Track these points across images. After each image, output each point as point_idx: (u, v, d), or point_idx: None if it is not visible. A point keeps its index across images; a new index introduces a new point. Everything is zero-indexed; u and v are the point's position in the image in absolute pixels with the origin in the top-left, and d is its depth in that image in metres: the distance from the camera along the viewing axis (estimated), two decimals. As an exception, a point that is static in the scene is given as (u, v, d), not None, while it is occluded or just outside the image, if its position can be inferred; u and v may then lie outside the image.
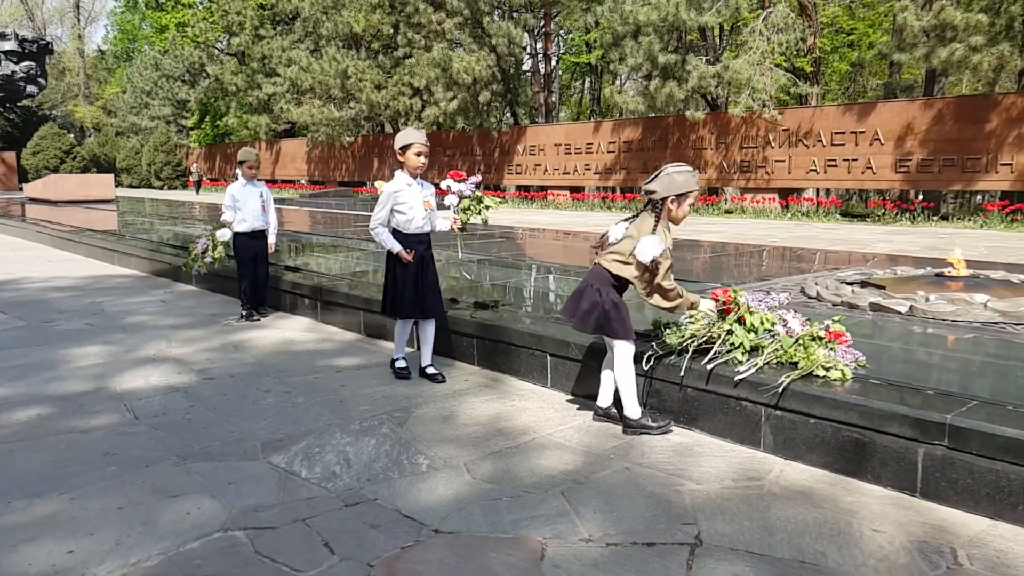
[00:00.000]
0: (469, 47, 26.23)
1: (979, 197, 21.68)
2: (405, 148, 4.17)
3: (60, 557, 2.40)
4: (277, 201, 28.84)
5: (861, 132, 19.35)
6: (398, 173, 4.25)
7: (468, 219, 4.47)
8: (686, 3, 20.07)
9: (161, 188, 42.73)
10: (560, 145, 26.23)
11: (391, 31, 28.33)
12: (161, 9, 47.94)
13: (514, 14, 27.77)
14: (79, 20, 60.94)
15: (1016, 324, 4.28)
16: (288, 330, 5.74)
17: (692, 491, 2.90)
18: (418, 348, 4.49)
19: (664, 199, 3.46)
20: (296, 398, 4.04)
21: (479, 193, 4.52)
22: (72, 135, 43.82)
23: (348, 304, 5.65)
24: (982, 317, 4.35)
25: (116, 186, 30.07)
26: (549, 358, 4.19)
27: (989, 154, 17.44)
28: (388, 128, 33.97)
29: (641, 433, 3.49)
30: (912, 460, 2.81)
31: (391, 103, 27.99)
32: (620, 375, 3.51)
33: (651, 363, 3.63)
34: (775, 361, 3.39)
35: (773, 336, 3.51)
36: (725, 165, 22.07)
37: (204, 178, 38.35)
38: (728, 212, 21.56)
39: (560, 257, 9.16)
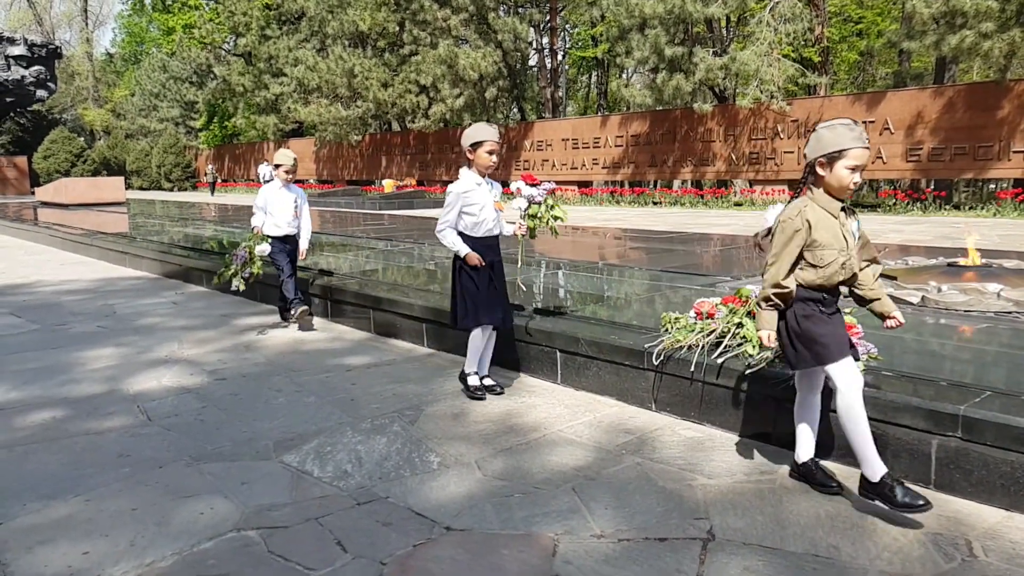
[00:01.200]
0: (475, 43, 26.22)
1: (992, 185, 21.48)
2: (476, 145, 3.87)
3: (75, 558, 2.42)
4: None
5: (871, 121, 19.21)
6: (464, 171, 3.96)
7: (536, 227, 4.13)
8: (692, -5, 19.98)
9: (171, 190, 43.00)
10: (567, 140, 26.19)
11: (397, 29, 28.35)
12: (168, 11, 48.18)
13: (519, 9, 27.73)
14: (87, 24, 61.31)
15: (1030, 313, 4.24)
16: (298, 330, 5.76)
17: (704, 486, 2.89)
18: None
19: (811, 165, 2.68)
20: (307, 397, 4.06)
21: (551, 200, 4.14)
22: (82, 139, 44.15)
23: (358, 303, 5.67)
24: (995, 307, 4.32)
25: (126, 189, 30.28)
26: (559, 354, 4.19)
27: (1001, 141, 17.29)
28: (395, 126, 34.02)
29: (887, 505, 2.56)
30: (926, 452, 2.79)
31: (398, 101, 28.03)
32: (844, 417, 2.60)
33: (661, 358, 3.62)
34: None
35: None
36: (734, 157, 21.97)
37: (219, 179, 38.43)
38: (738, 204, 21.48)
39: (569, 252, 9.14)
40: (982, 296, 4.39)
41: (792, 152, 20.70)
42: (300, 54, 30.54)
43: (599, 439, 3.41)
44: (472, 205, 3.92)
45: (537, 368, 4.32)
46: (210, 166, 37.77)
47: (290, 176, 5.73)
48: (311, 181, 37.11)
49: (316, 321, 6.05)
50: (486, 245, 3.95)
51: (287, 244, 5.77)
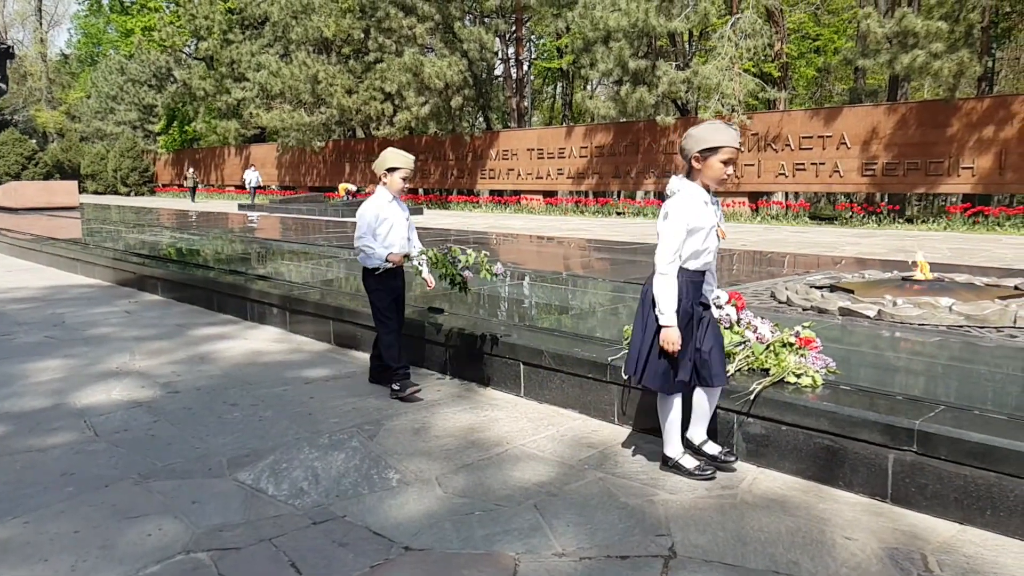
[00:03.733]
0: (440, 52, 26.16)
1: (942, 200, 22.13)
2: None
3: (13, 585, 2.30)
4: (244, 207, 28.36)
5: (828, 136, 19.65)
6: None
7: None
8: (655, 9, 20.24)
9: (128, 194, 41.98)
10: (533, 150, 26.27)
11: (362, 36, 28.15)
12: (126, 13, 47.15)
13: (485, 19, 27.78)
14: (41, 24, 59.67)
15: (980, 327, 4.34)
16: (256, 340, 5.64)
17: (666, 501, 2.88)
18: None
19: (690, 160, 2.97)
20: (264, 412, 3.96)
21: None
22: (34, 141, 42.85)
23: (318, 313, 5.57)
24: (948, 320, 4.41)
25: (80, 193, 29.48)
26: (522, 367, 4.16)
27: (951, 158, 17.82)
28: (360, 133, 33.77)
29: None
30: (883, 466, 2.82)
31: (362, 108, 27.81)
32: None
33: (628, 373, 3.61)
34: (746, 368, 3.40)
35: (744, 343, 3.52)
36: (696, 169, 22.24)
37: (200, 184, 37.23)
38: (699, 216, 21.72)
39: (534, 263, 9.14)
40: (935, 310, 4.49)
41: (752, 165, 21.05)
42: (263, 59, 30.13)
43: (562, 453, 3.38)
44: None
45: (500, 381, 4.28)
46: (190, 170, 36.45)
47: (408, 186, 4.26)
48: (273, 187, 36.62)
49: (275, 332, 5.93)
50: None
51: (396, 280, 4.26)
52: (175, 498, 2.91)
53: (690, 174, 3.01)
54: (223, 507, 2.84)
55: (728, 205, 21.38)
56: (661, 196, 24.15)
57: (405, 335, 4.87)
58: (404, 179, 4.21)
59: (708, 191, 3.02)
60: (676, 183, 3.04)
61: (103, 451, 3.40)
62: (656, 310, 2.91)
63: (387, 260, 4.13)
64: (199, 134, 42.21)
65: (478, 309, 5.44)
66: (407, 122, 26.99)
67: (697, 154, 2.92)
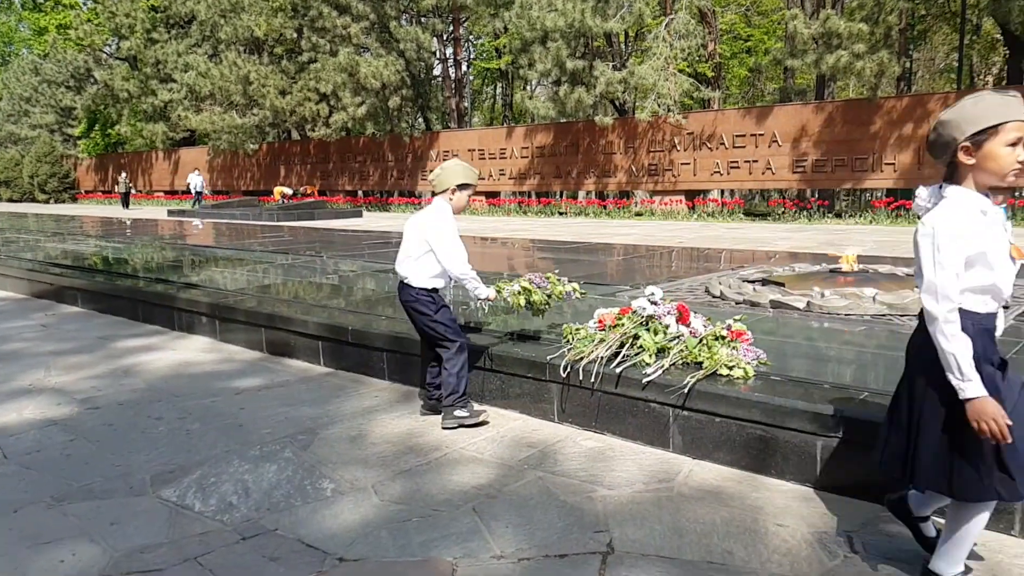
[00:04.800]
0: (377, 52, 25.86)
1: (868, 195, 23.02)
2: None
3: (-91, 622, 2.14)
4: (175, 213, 27.51)
5: (760, 134, 20.21)
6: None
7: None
8: (591, 10, 20.46)
9: (47, 202, 40.15)
10: (474, 151, 26.23)
11: (295, 35, 27.62)
12: (39, 10, 45.05)
13: (422, 19, 27.60)
14: (-51, 22, 56.48)
15: (902, 315, 4.50)
16: (185, 351, 5.43)
17: (604, 497, 2.88)
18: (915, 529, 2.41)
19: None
20: (191, 424, 3.80)
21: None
22: (-60, 146, 40.58)
23: (250, 321, 5.40)
24: (872, 310, 4.56)
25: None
26: (460, 368, 4.10)
27: (875, 154, 18.56)
28: (295, 135, 33.10)
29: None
30: (811, 453, 2.88)
31: (297, 109, 27.26)
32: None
33: (567, 370, 3.61)
34: (681, 362, 3.44)
35: (678, 337, 3.56)
36: (634, 169, 22.60)
37: (133, 190, 35.50)
38: (638, 214, 22.08)
39: (476, 264, 9.10)
40: (860, 300, 4.64)
41: (688, 164, 21.49)
42: (191, 59, 29.22)
43: (502, 455, 3.35)
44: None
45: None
46: (123, 175, 34.69)
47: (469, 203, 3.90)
48: (205, 192, 35.56)
49: (204, 342, 5.73)
50: None
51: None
52: (92, 520, 2.76)
53: (954, 175, 2.06)
54: (145, 527, 2.71)
55: (666, 203, 21.78)
56: (601, 196, 24.48)
57: (336, 342, 4.77)
58: (471, 198, 3.83)
59: (987, 196, 2.03)
60: (928, 193, 2.12)
61: (12, 474, 3.21)
62: (950, 376, 1.96)
63: (484, 299, 3.77)
64: (124, 138, 40.62)
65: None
66: (344, 123, 26.60)
67: (967, 142, 1.98)
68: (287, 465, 3.27)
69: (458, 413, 3.64)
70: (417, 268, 3.65)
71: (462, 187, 3.66)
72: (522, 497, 2.91)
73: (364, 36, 25.66)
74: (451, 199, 3.67)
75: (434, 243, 3.57)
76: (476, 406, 3.75)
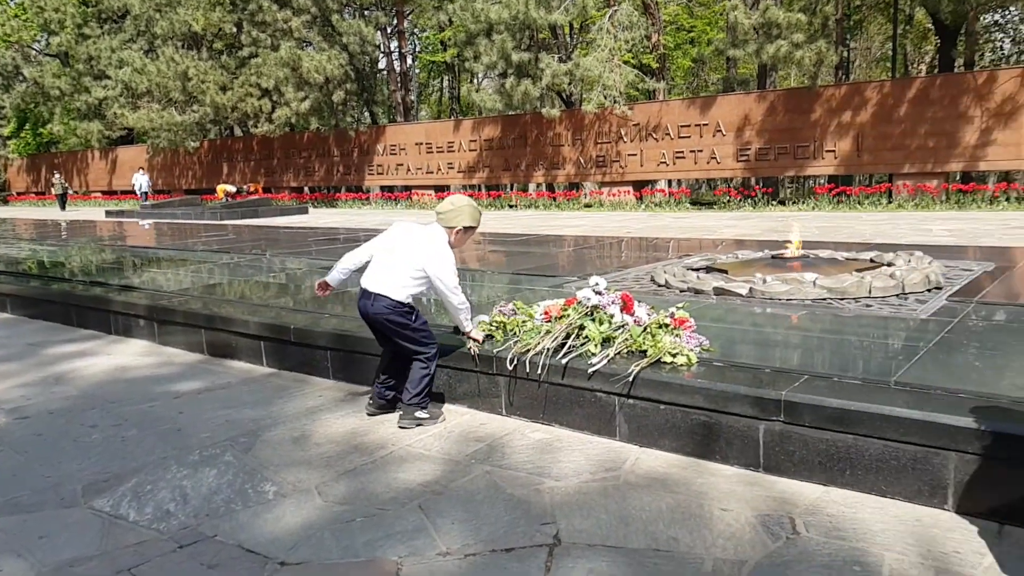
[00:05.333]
0: (319, 46, 25.39)
1: (811, 182, 23.61)
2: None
3: None
4: (114, 214, 26.54)
5: (705, 124, 20.51)
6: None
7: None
8: (535, 2, 20.43)
9: (-24, 204, 38.38)
10: (421, 144, 26.00)
11: (234, 30, 26.89)
12: (-38, 5, 42.90)
13: (365, 12, 27.19)
14: None
15: (840, 299, 4.61)
16: (121, 356, 5.24)
17: (551, 489, 2.88)
18: None
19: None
20: (127, 431, 3.67)
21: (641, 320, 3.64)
22: None
23: (189, 323, 5.24)
24: (812, 295, 4.66)
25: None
26: (407, 365, 4.05)
27: (816, 142, 19.03)
28: (238, 131, 32.32)
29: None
30: (754, 437, 2.93)
31: (238, 105, 26.59)
32: None
33: (513, 363, 3.59)
34: (626, 351, 3.45)
35: (623, 327, 3.57)
36: (582, 160, 22.71)
37: (70, 191, 33.76)
38: (587, 206, 22.21)
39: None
40: (801, 285, 4.73)
41: (635, 155, 21.70)
42: (125, 55, 28.21)
43: (449, 450, 3.32)
44: None
45: (384, 380, 4.15)
46: (57, 175, 32.96)
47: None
48: (151, 192, 34.45)
49: (142, 345, 5.54)
50: None
51: None
52: (19, 534, 2.63)
53: None
54: (76, 539, 2.59)
55: (614, 194, 21.96)
56: (551, 188, 24.53)
57: (279, 342, 4.67)
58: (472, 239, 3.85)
59: None
60: None
61: (-66, 490, 3.04)
62: None
63: (470, 337, 3.74)
64: (57, 137, 39.04)
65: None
66: (287, 118, 26.06)
67: None
68: (227, 469, 3.18)
69: (419, 414, 3.59)
70: (398, 284, 3.51)
71: (468, 230, 3.65)
72: (469, 492, 2.88)
73: (306, 30, 25.16)
74: (452, 238, 3.61)
75: (435, 274, 3.51)
76: (435, 408, 3.69)
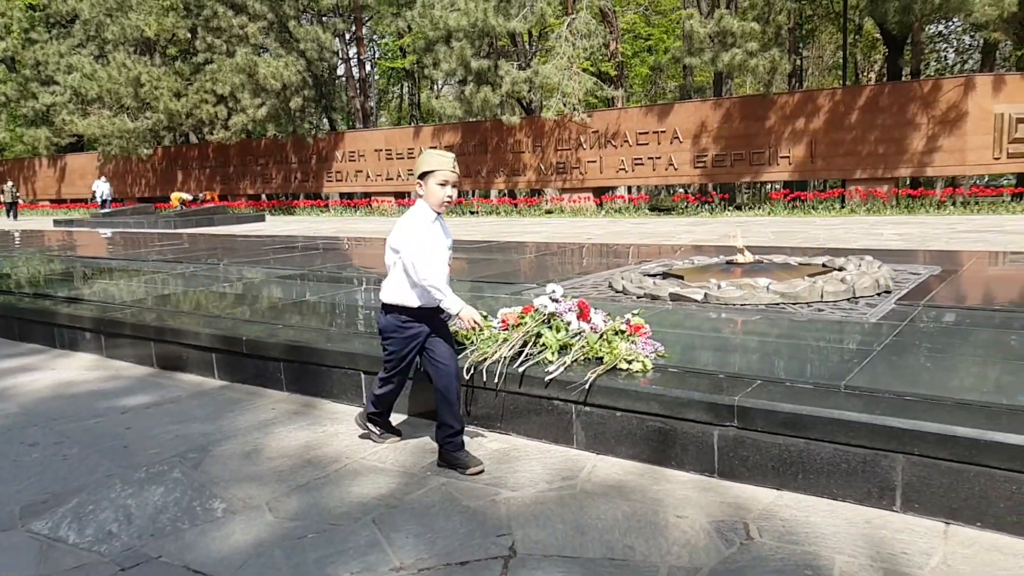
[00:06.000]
0: (276, 52, 25.09)
1: (767, 187, 24.07)
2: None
3: None
4: (63, 223, 25.82)
5: (662, 132, 20.78)
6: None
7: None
8: (494, 9, 20.50)
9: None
10: (381, 151, 25.84)
11: (188, 35, 26.42)
12: (-96, 8, 41.35)
13: (323, 18, 26.95)
14: None
15: (793, 303, 4.69)
16: (66, 370, 5.06)
17: (508, 499, 2.85)
18: None
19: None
20: (69, 449, 3.54)
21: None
22: None
23: (138, 335, 5.08)
24: (766, 300, 4.73)
25: None
26: (363, 376, 4.00)
27: (771, 148, 19.42)
28: (193, 138, 31.71)
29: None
30: (709, 443, 2.94)
31: (193, 111, 26.11)
32: None
33: (470, 372, 3.56)
34: (583, 358, 3.45)
35: (580, 334, 3.57)
36: (542, 167, 22.81)
37: (20, 199, 32.47)
38: (548, 212, 22.31)
39: (382, 266, 8.93)
40: (754, 290, 4.80)
41: (595, 161, 21.87)
42: (75, 60, 27.48)
43: (404, 463, 3.27)
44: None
45: (340, 392, 4.09)
46: (8, 183, 31.68)
47: (452, 198, 3.14)
48: (97, 199, 33.57)
49: (89, 359, 5.36)
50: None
51: (422, 325, 3.17)
52: (-51, 562, 2.51)
53: None
54: (10, 565, 2.48)
55: (575, 201, 22.09)
56: (512, 194, 24.56)
57: (232, 353, 4.56)
58: (444, 184, 3.06)
59: None
60: None
61: None
62: None
63: (459, 316, 3.07)
64: (2, 144, 37.84)
65: (314, 318, 5.20)
66: (244, 125, 25.67)
67: None
68: (175, 486, 3.08)
69: (371, 426, 3.49)
70: (387, 282, 3.17)
71: (425, 176, 3.06)
72: (424, 505, 2.84)
73: (262, 36, 24.83)
74: (422, 195, 3.11)
75: (401, 245, 3.06)
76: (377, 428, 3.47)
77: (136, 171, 32.36)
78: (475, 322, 3.11)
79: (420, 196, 3.12)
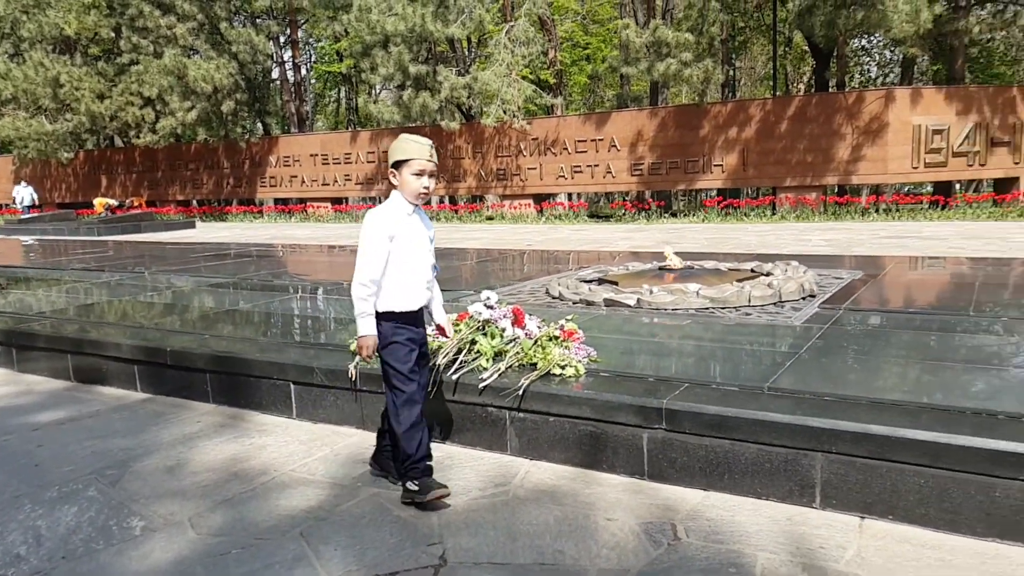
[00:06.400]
0: (207, 54, 24.39)
1: (702, 195, 24.66)
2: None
3: None
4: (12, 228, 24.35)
5: (600, 140, 21.08)
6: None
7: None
8: (432, 15, 20.44)
9: None
10: (317, 155, 25.41)
11: (112, 35, 25.45)
12: None
13: (256, 20, 26.38)
14: None
15: (722, 308, 4.80)
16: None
17: (440, 508, 2.82)
18: None
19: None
20: (-26, 469, 3.34)
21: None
22: None
23: (53, 347, 4.85)
24: (696, 304, 4.84)
25: None
26: (293, 387, 3.91)
27: (705, 156, 19.91)
28: (118, 141, 30.56)
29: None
30: (638, 446, 2.98)
31: (118, 114, 25.14)
32: None
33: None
34: (517, 365, 3.45)
35: (514, 340, 3.57)
36: (483, 173, 22.83)
37: None
38: (490, 219, 22.33)
39: (322, 273, 8.77)
40: (685, 295, 4.90)
41: (535, 168, 22.02)
42: (-12, 59, 26.17)
43: (335, 474, 3.21)
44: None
45: (269, 404, 3.99)
46: None
47: (430, 189, 2.82)
48: (12, 205, 31.94)
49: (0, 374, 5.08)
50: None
51: (419, 328, 2.91)
52: None
53: None
54: (-95, 595, 2.33)
55: (515, 207, 22.18)
56: (453, 200, 24.48)
57: (155, 365, 4.41)
58: (420, 174, 2.74)
59: None
60: None
61: None
62: None
63: (358, 339, 2.79)
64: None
65: (244, 327, 5.06)
66: (173, 129, 24.85)
67: None
68: (90, 505, 2.94)
69: (409, 486, 2.81)
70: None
71: (400, 165, 2.76)
72: (355, 516, 2.79)
73: (192, 37, 24.12)
74: (396, 185, 2.81)
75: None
76: (428, 479, 2.82)
77: (56, 176, 30.95)
78: (367, 355, 2.77)
79: (394, 187, 2.83)
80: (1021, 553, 2.34)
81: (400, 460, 2.85)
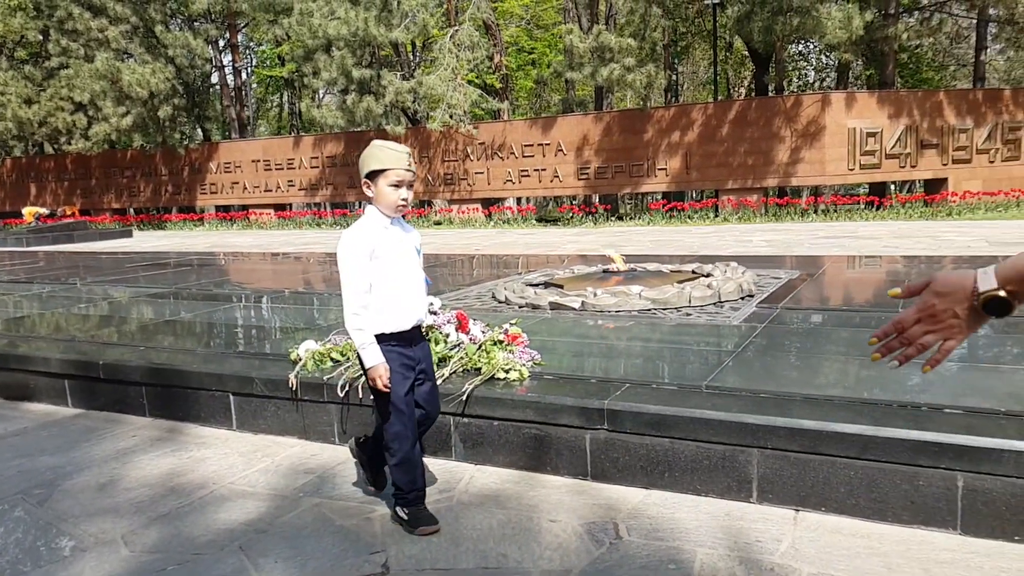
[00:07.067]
0: (142, 58, 23.70)
1: (647, 198, 25.07)
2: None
3: None
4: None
5: (547, 144, 21.23)
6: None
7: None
8: (375, 19, 20.29)
9: None
10: (259, 161, 24.93)
11: (40, 37, 24.51)
12: None
13: (194, 24, 25.75)
14: None
15: (664, 309, 4.89)
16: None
17: (383, 516, 2.80)
18: None
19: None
20: None
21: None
22: None
23: (-23, 363, 4.64)
24: (638, 306, 4.91)
25: None
26: (232, 398, 3.82)
27: (649, 160, 20.25)
28: (48, 148, 29.41)
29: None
30: (581, 447, 3.01)
31: (47, 119, 24.20)
32: None
33: (345, 389, 3.48)
34: (461, 369, 3.45)
35: (459, 345, 3.57)
36: (430, 178, 22.75)
37: None
38: (438, 223, 22.25)
39: (264, 281, 8.59)
40: (628, 297, 4.97)
41: (482, 173, 22.05)
42: (-94, 62, 24.90)
43: (276, 485, 3.15)
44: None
45: (208, 416, 3.89)
46: None
47: (407, 199, 2.60)
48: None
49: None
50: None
51: (418, 348, 2.71)
52: None
53: None
54: None
55: (463, 212, 22.16)
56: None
57: (87, 379, 4.25)
58: (398, 185, 2.53)
59: None
60: None
61: None
62: None
63: (368, 371, 2.56)
64: None
65: (182, 338, 4.93)
66: (106, 135, 24.05)
67: None
68: (16, 526, 2.82)
69: (400, 513, 2.69)
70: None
71: (374, 175, 2.55)
72: (296, 527, 2.74)
73: (126, 41, 23.39)
74: (371, 196, 2.59)
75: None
76: (419, 508, 2.68)
77: (-18, 184, 29.66)
78: (384, 384, 2.55)
79: (369, 199, 2.60)
80: (943, 538, 2.45)
81: (392, 484, 2.73)
